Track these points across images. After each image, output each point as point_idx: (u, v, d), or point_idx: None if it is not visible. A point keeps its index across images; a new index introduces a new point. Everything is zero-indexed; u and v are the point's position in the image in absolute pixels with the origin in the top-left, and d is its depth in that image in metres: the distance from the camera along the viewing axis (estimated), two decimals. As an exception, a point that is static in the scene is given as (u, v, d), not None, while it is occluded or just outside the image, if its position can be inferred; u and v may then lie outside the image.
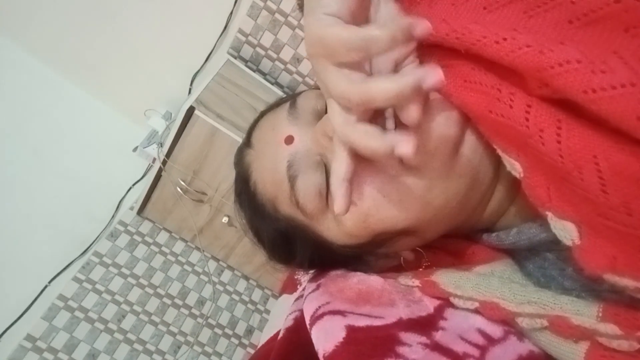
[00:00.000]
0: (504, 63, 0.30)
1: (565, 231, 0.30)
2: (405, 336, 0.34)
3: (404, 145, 0.30)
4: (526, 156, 0.32)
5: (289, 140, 0.41)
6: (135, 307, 1.58)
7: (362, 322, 0.35)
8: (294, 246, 0.45)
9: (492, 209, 0.41)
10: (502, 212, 0.42)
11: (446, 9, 0.35)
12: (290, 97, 0.46)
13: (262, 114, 0.48)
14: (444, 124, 0.35)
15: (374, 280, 0.41)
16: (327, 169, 0.39)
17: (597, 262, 0.29)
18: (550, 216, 0.31)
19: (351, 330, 0.35)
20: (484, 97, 0.33)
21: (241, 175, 0.46)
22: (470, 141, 0.37)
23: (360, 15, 0.35)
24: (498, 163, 0.38)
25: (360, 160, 0.36)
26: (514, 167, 0.33)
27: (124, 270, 1.62)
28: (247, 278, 1.84)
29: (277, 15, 1.51)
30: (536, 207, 0.33)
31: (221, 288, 1.78)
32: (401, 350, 0.33)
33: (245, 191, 0.45)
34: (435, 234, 0.42)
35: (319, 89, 0.48)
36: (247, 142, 0.46)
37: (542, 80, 0.28)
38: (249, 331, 1.74)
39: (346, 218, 0.38)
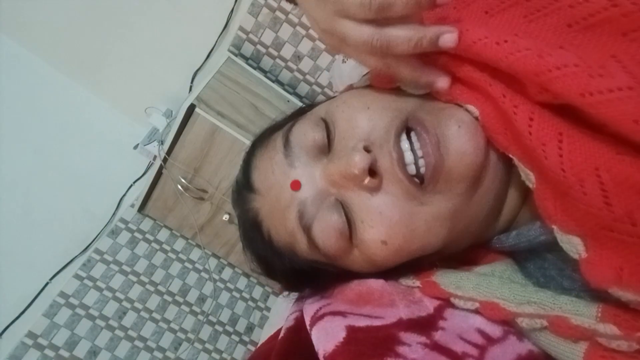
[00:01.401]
0: (503, 65, 0.31)
1: (572, 245, 0.31)
2: (405, 336, 0.34)
3: (441, 80, 0.36)
4: (534, 168, 0.32)
5: (296, 185, 0.39)
6: (136, 304, 1.58)
7: (362, 323, 0.36)
8: (315, 279, 0.44)
9: (505, 217, 0.41)
10: (512, 220, 0.42)
11: (448, 12, 0.36)
12: (279, 127, 0.44)
13: (255, 148, 0.45)
14: (473, 151, 0.34)
15: (374, 281, 0.41)
16: (344, 207, 0.38)
17: (603, 275, 0.29)
18: (556, 229, 0.32)
19: (351, 330, 0.35)
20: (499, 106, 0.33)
21: (249, 221, 0.44)
22: (492, 161, 0.36)
23: None
24: (509, 174, 0.38)
25: (386, 196, 0.36)
26: (529, 177, 0.33)
27: (124, 267, 1.63)
28: (247, 275, 1.84)
29: (277, 13, 1.51)
30: (539, 213, 0.33)
31: (222, 285, 1.78)
32: (401, 350, 0.33)
33: (259, 238, 0.44)
34: (458, 250, 0.42)
35: (309, 107, 0.47)
36: (248, 185, 0.44)
37: (541, 84, 0.29)
38: (250, 328, 1.75)
39: (377, 255, 0.38)
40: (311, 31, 1.56)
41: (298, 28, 1.54)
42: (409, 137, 0.36)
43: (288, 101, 1.57)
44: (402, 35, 0.32)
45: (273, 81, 1.65)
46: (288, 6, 1.50)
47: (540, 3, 0.31)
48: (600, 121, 0.26)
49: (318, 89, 1.70)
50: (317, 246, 0.39)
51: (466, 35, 0.33)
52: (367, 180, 0.35)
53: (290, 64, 1.64)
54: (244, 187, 0.45)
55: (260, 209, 0.43)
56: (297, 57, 1.62)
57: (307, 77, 1.67)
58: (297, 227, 0.39)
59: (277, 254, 0.43)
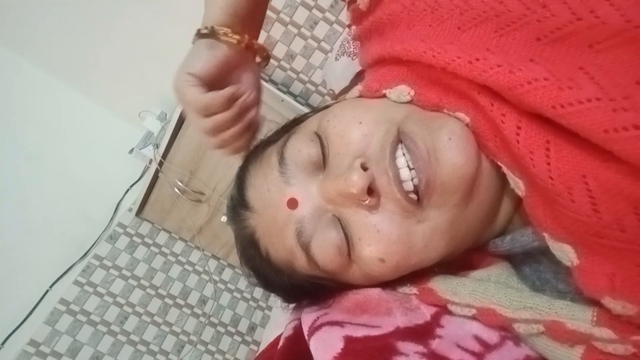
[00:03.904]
0: (479, 82, 0.32)
1: (563, 252, 0.31)
2: (402, 345, 0.34)
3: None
4: (523, 176, 0.33)
5: (293, 204, 0.38)
6: (137, 309, 1.58)
7: (359, 333, 0.35)
8: (314, 292, 0.43)
9: (500, 222, 0.41)
10: (507, 225, 0.42)
11: (424, 30, 0.37)
12: (272, 142, 0.44)
13: (248, 164, 0.45)
14: (464, 162, 0.34)
15: (370, 290, 0.41)
16: (342, 224, 0.38)
17: (597, 283, 0.29)
18: (547, 237, 0.32)
19: (349, 341, 0.35)
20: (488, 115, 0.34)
21: (246, 238, 0.44)
22: (486, 169, 0.36)
23: (222, 80, 0.49)
24: (503, 180, 0.38)
25: (383, 213, 0.36)
26: (518, 185, 0.33)
27: (124, 272, 1.63)
28: (247, 275, 1.84)
29: (268, 12, 1.50)
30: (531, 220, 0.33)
31: (222, 286, 1.78)
32: (398, 360, 0.33)
33: (256, 256, 0.44)
34: (455, 256, 0.42)
35: (300, 119, 0.47)
36: (243, 202, 0.43)
37: (514, 98, 0.30)
38: (252, 328, 1.75)
39: (375, 271, 0.38)
40: (303, 29, 1.55)
41: (290, 27, 1.54)
42: (403, 150, 0.36)
43: (282, 100, 1.56)
44: (221, 118, 0.47)
45: (266, 81, 1.65)
46: (279, 5, 1.50)
47: (509, 18, 0.32)
48: (573, 131, 0.27)
49: (312, 87, 1.69)
50: (316, 263, 0.38)
51: (439, 58, 0.34)
52: (367, 200, 0.35)
53: (283, 62, 1.63)
54: (239, 205, 0.44)
55: (257, 226, 0.42)
56: (290, 56, 1.61)
57: (301, 75, 1.66)
58: (296, 244, 0.39)
59: (276, 270, 0.43)
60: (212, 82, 0.48)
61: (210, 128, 0.48)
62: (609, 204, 0.27)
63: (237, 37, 0.49)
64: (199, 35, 0.50)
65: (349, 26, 0.50)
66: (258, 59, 0.55)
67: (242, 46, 0.50)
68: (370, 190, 0.35)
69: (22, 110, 1.74)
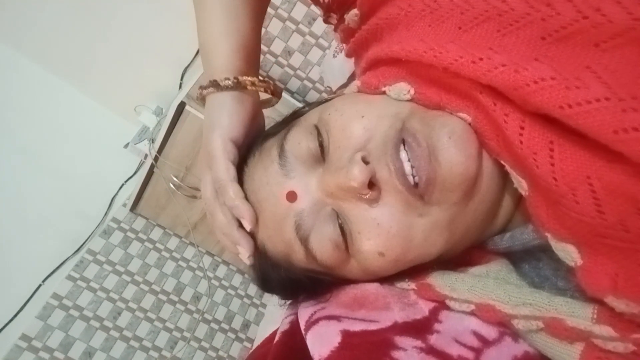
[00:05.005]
0: (483, 82, 0.31)
1: (566, 252, 0.31)
2: (400, 340, 0.34)
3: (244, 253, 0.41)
4: (526, 176, 0.32)
5: (292, 197, 0.38)
6: (131, 304, 1.58)
7: (357, 327, 0.35)
8: (311, 286, 0.43)
9: (500, 220, 0.41)
10: (507, 222, 0.42)
11: (423, 30, 0.36)
12: (271, 135, 0.44)
13: (247, 156, 0.44)
14: (464, 161, 0.34)
15: (368, 284, 0.41)
16: (341, 218, 0.37)
17: (600, 283, 0.29)
18: (550, 237, 0.32)
19: (346, 335, 0.34)
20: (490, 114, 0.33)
21: None
22: (487, 168, 0.36)
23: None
24: (505, 179, 0.38)
25: (384, 207, 0.35)
26: (521, 184, 0.33)
27: (118, 267, 1.62)
28: (242, 272, 1.84)
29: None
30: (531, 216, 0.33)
31: (216, 283, 1.78)
32: (396, 354, 0.32)
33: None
34: (455, 254, 0.41)
35: (300, 112, 0.46)
36: None
37: (520, 98, 0.29)
38: (246, 325, 1.75)
39: (374, 265, 0.38)
40: (301, 26, 1.54)
41: (287, 23, 1.53)
42: (405, 147, 0.36)
43: (279, 97, 1.56)
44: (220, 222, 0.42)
45: (264, 76, 1.64)
46: (277, 1, 1.49)
47: (512, 17, 0.31)
48: (580, 132, 0.27)
49: (309, 84, 1.69)
50: (315, 257, 0.38)
51: (440, 58, 0.33)
52: (368, 194, 0.35)
53: (280, 59, 1.63)
54: None
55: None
56: (288, 52, 1.61)
57: (298, 72, 1.66)
58: (295, 238, 0.38)
59: (272, 264, 0.42)
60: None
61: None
62: (613, 204, 0.27)
63: (263, 85, 0.46)
64: (218, 87, 0.44)
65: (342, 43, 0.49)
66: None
67: (267, 94, 0.47)
68: (371, 184, 0.35)
69: (18, 105, 1.72)
